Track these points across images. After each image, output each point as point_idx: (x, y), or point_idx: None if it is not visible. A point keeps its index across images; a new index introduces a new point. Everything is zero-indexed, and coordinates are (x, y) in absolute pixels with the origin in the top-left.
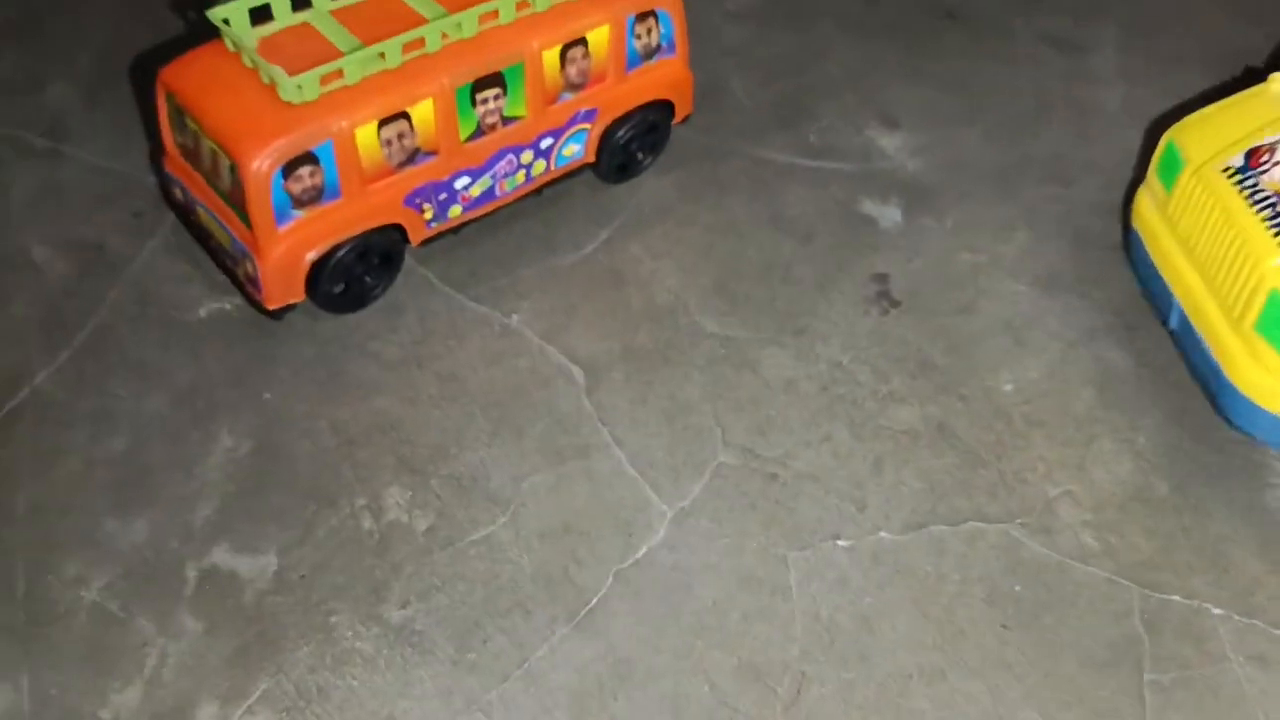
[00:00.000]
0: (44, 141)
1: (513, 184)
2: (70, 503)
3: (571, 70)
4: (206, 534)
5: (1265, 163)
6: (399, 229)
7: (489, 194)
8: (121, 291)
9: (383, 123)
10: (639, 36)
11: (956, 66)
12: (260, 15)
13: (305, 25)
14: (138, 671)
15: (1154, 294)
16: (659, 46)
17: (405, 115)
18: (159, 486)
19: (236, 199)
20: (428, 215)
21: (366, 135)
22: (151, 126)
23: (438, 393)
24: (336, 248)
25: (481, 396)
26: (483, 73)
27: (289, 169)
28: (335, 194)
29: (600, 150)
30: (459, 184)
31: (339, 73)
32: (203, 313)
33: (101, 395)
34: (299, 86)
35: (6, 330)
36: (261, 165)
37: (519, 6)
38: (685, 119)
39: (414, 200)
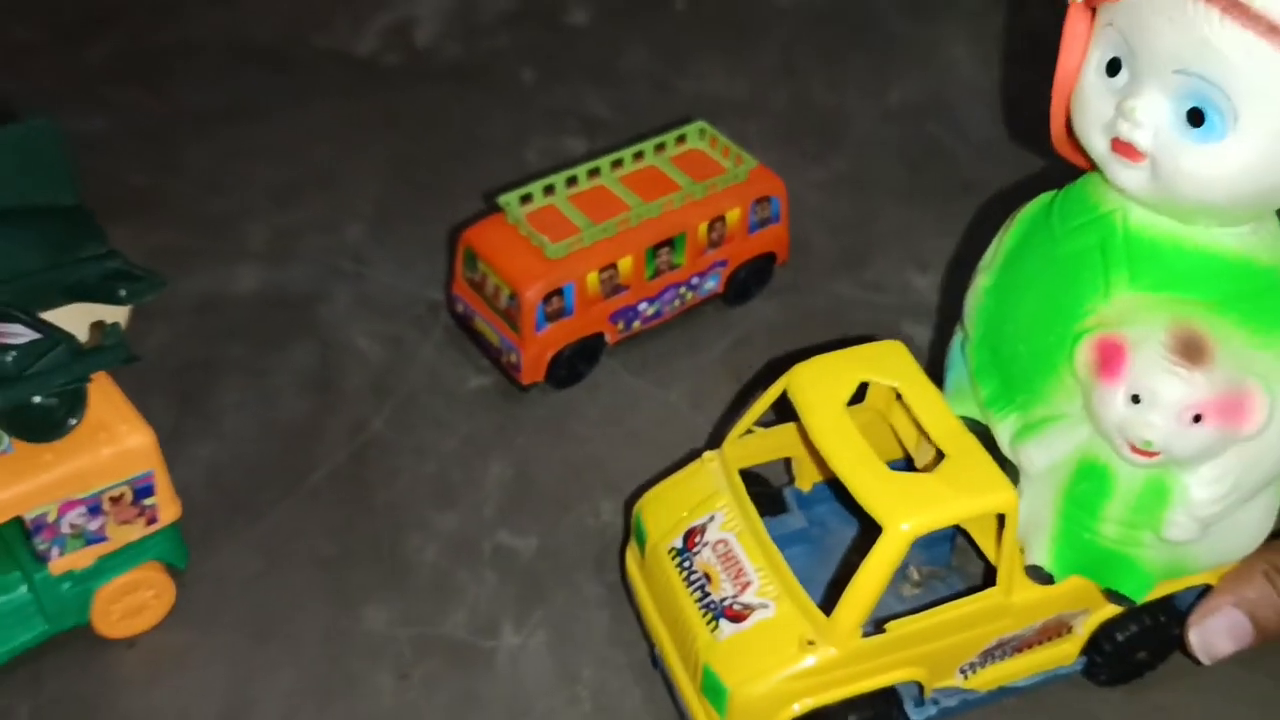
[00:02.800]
0: (352, 266)
1: (673, 307)
2: (408, 502)
3: (714, 235)
4: (493, 524)
5: (698, 544)
6: (601, 335)
7: (659, 313)
8: (417, 368)
9: (601, 270)
10: (757, 213)
11: (969, 223)
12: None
13: (551, 207)
14: (462, 604)
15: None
16: (770, 218)
17: (614, 265)
18: (460, 494)
19: (510, 314)
20: (619, 327)
21: (592, 278)
22: (418, 259)
23: (625, 442)
24: (567, 346)
25: (652, 444)
26: (662, 239)
27: (547, 298)
28: (570, 313)
29: (728, 284)
30: (641, 307)
31: (579, 239)
32: (472, 385)
33: (414, 437)
34: (557, 248)
35: (351, 393)
36: (533, 295)
37: (685, 198)
38: (783, 263)
39: (613, 317)
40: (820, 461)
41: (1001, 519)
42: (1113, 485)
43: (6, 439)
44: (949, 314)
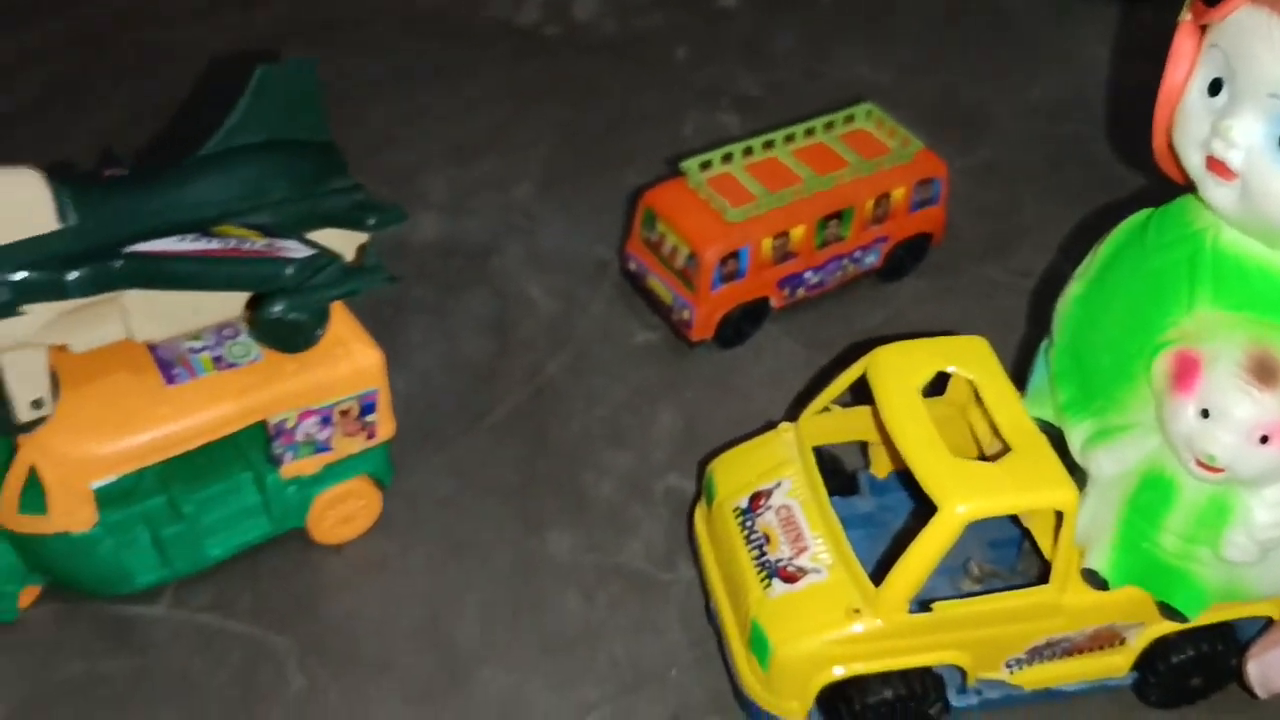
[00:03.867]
0: (523, 222)
1: (834, 278)
2: (583, 442)
3: (879, 211)
4: (663, 467)
5: (762, 507)
6: (767, 299)
7: (821, 283)
8: (588, 321)
9: (775, 236)
10: (919, 193)
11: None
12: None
13: (728, 175)
14: (638, 536)
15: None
16: (930, 199)
17: (786, 233)
18: (631, 438)
19: (687, 273)
20: (785, 292)
21: (766, 243)
22: (584, 218)
23: (784, 401)
24: (737, 307)
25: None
26: (832, 211)
27: (724, 260)
28: (742, 276)
29: (886, 260)
30: (807, 276)
31: (757, 205)
32: (639, 340)
33: (587, 383)
34: (736, 212)
35: (527, 339)
36: (712, 255)
37: (854, 174)
38: (938, 244)
39: (781, 283)
40: (895, 449)
41: (1060, 517)
42: (1176, 497)
43: (256, 349)
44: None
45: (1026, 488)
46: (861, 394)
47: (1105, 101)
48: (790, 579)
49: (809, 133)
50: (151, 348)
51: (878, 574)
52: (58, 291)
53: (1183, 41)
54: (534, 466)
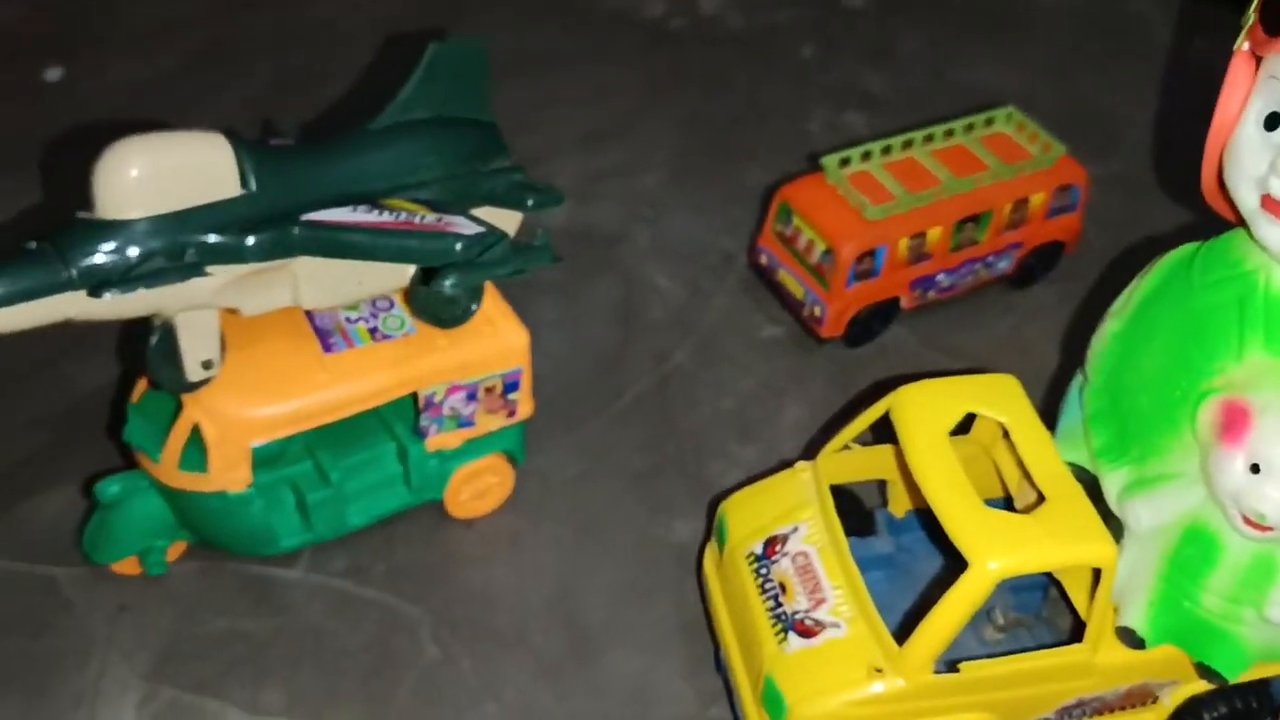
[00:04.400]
0: (650, 212)
1: (965, 282)
2: (709, 431)
3: (1015, 216)
4: (789, 461)
5: (777, 554)
6: (897, 300)
7: (952, 286)
8: (714, 312)
9: (911, 236)
10: (1057, 200)
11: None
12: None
13: (866, 172)
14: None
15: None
16: (1067, 206)
17: (923, 234)
18: (758, 431)
19: (821, 269)
20: (916, 294)
21: (903, 243)
22: (710, 210)
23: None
24: (868, 306)
25: None
26: (969, 214)
27: (860, 257)
28: (876, 275)
29: (1018, 267)
30: (939, 278)
31: (896, 204)
32: (765, 333)
33: (713, 373)
34: (876, 210)
35: (653, 327)
36: (849, 252)
37: (994, 178)
38: (1070, 253)
39: (913, 284)
40: (916, 489)
41: (1097, 573)
42: (1219, 555)
43: (409, 322)
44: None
45: (1063, 543)
46: (882, 432)
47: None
48: (808, 633)
49: (948, 134)
50: (310, 317)
51: (902, 625)
52: (237, 255)
53: (1237, 72)
54: (661, 453)
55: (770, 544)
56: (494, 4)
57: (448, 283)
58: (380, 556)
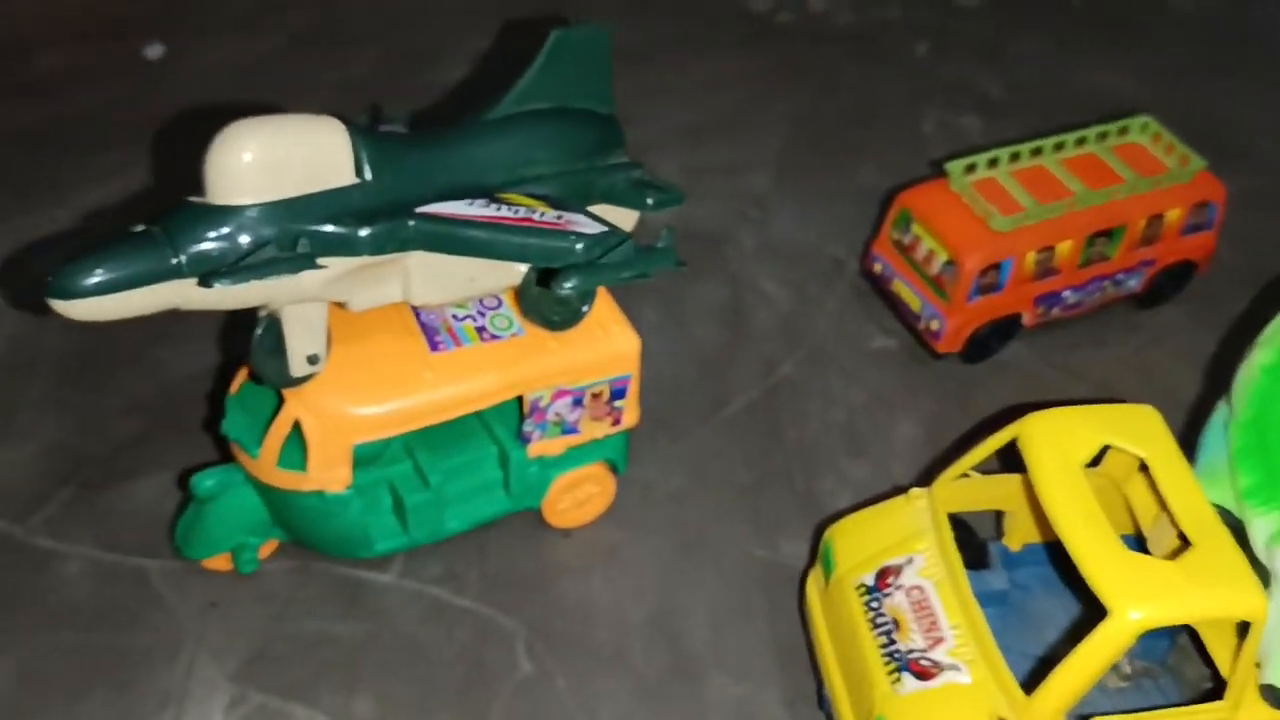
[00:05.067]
0: (756, 213)
1: (1093, 299)
2: (819, 445)
3: (1149, 232)
4: (902, 480)
5: (890, 586)
6: (1019, 316)
7: (1078, 303)
8: (823, 320)
9: (1039, 250)
10: (1194, 216)
11: None
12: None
13: (993, 179)
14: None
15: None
16: (1204, 224)
17: (1052, 248)
18: (869, 447)
19: (941, 281)
20: (1040, 310)
21: (1030, 257)
22: (818, 213)
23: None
24: (989, 321)
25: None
26: (1101, 229)
27: (984, 270)
28: (1000, 289)
29: (1148, 285)
30: (1065, 295)
31: (1025, 215)
32: (877, 345)
33: (823, 384)
34: (1004, 221)
35: (760, 333)
36: (974, 264)
37: (1129, 191)
38: (1203, 273)
39: (1038, 300)
40: (1039, 522)
41: (1244, 627)
42: None
43: (518, 322)
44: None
45: (1211, 593)
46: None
47: None
48: (924, 675)
49: (1080, 142)
50: (416, 313)
51: (1019, 669)
52: (350, 247)
53: None
54: (768, 467)
55: (883, 575)
56: None
57: (568, 285)
58: (475, 564)
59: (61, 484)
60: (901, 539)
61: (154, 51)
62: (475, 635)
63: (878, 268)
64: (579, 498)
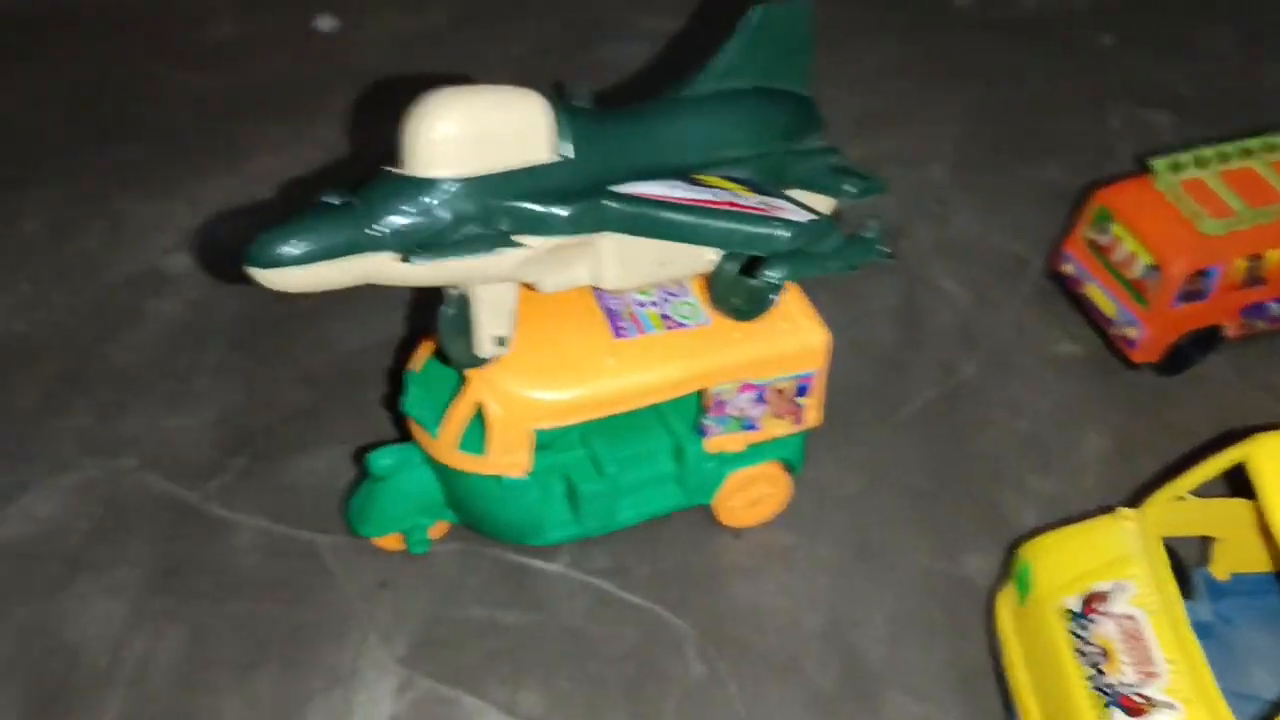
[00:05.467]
0: (935, 206)
1: None
2: (1001, 455)
3: None
4: (1090, 497)
5: (1098, 612)
6: (1220, 327)
7: None
8: (1005, 322)
9: (1249, 257)
10: None
11: None
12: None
13: (1200, 180)
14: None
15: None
16: None
17: (1261, 255)
18: (1056, 460)
19: (1141, 285)
20: (1243, 322)
21: (1239, 264)
22: (1000, 208)
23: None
24: (1190, 331)
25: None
26: None
27: (1190, 276)
28: (1205, 297)
29: None
30: (1271, 307)
31: (1237, 220)
32: (1063, 350)
33: (1005, 390)
34: (1215, 224)
35: (939, 333)
36: (1179, 269)
37: None
38: None
39: (1244, 311)
40: (1257, 550)
41: None
42: None
43: (703, 311)
44: None
45: None
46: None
47: None
48: (1135, 711)
49: None
50: (599, 296)
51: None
52: (549, 226)
53: None
54: (948, 475)
55: (1090, 601)
56: None
57: (773, 274)
58: (644, 559)
59: (234, 453)
60: (1109, 562)
61: (325, 23)
62: (644, 633)
63: (1069, 268)
64: (752, 497)
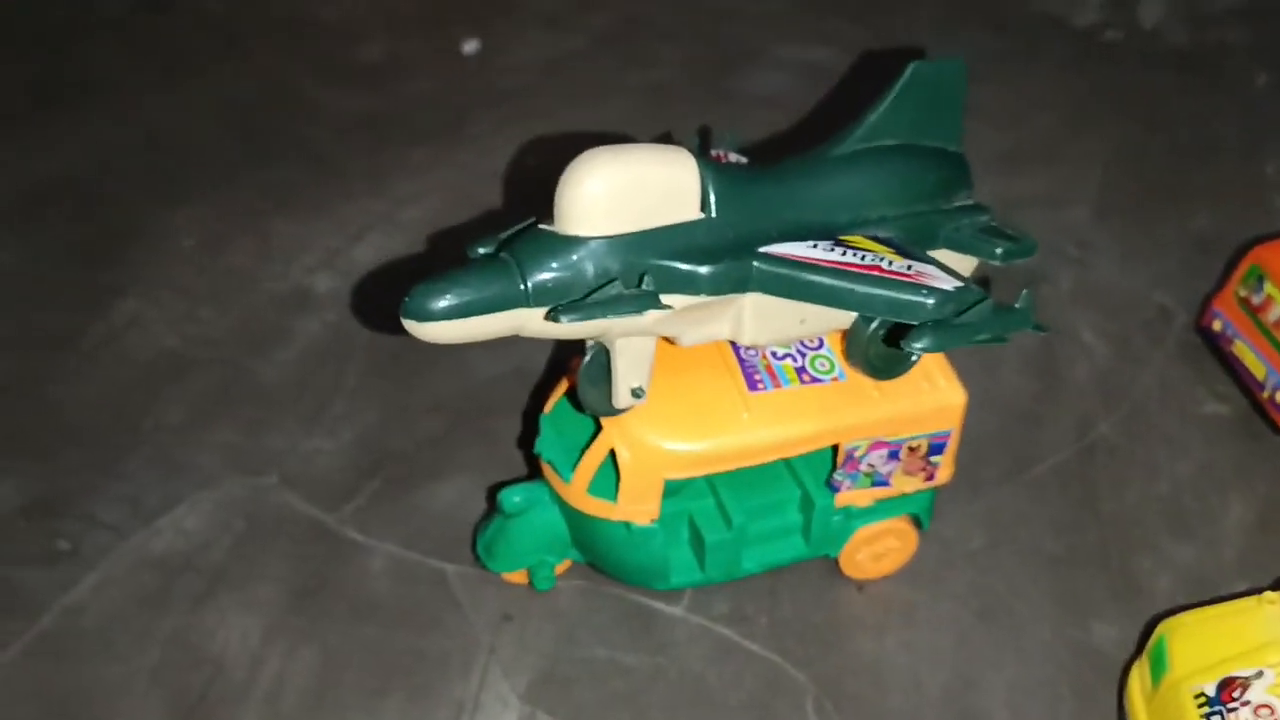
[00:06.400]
0: (1075, 251)
1: None
2: (1138, 519)
3: None
4: (1232, 570)
5: (1235, 700)
6: None
7: None
8: (1147, 377)
9: None
10: None
11: None
12: None
13: None
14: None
15: None
16: None
17: None
18: (1195, 526)
19: None
20: None
21: None
22: (1145, 256)
23: None
24: None
25: None
26: None
27: None
28: None
29: None
30: None
31: None
32: (1207, 410)
33: (1145, 450)
34: None
35: (1076, 386)
36: None
37: None
38: None
39: None
40: None
41: None
42: None
43: (839, 365)
44: None
45: None
46: None
47: None
48: None
49: None
50: (735, 348)
51: None
52: (693, 285)
53: None
54: (1080, 537)
55: (1226, 686)
56: (916, 2)
57: (919, 344)
58: (764, 607)
59: (368, 477)
60: (1250, 648)
61: (470, 46)
62: (764, 684)
63: (1217, 325)
64: (878, 550)
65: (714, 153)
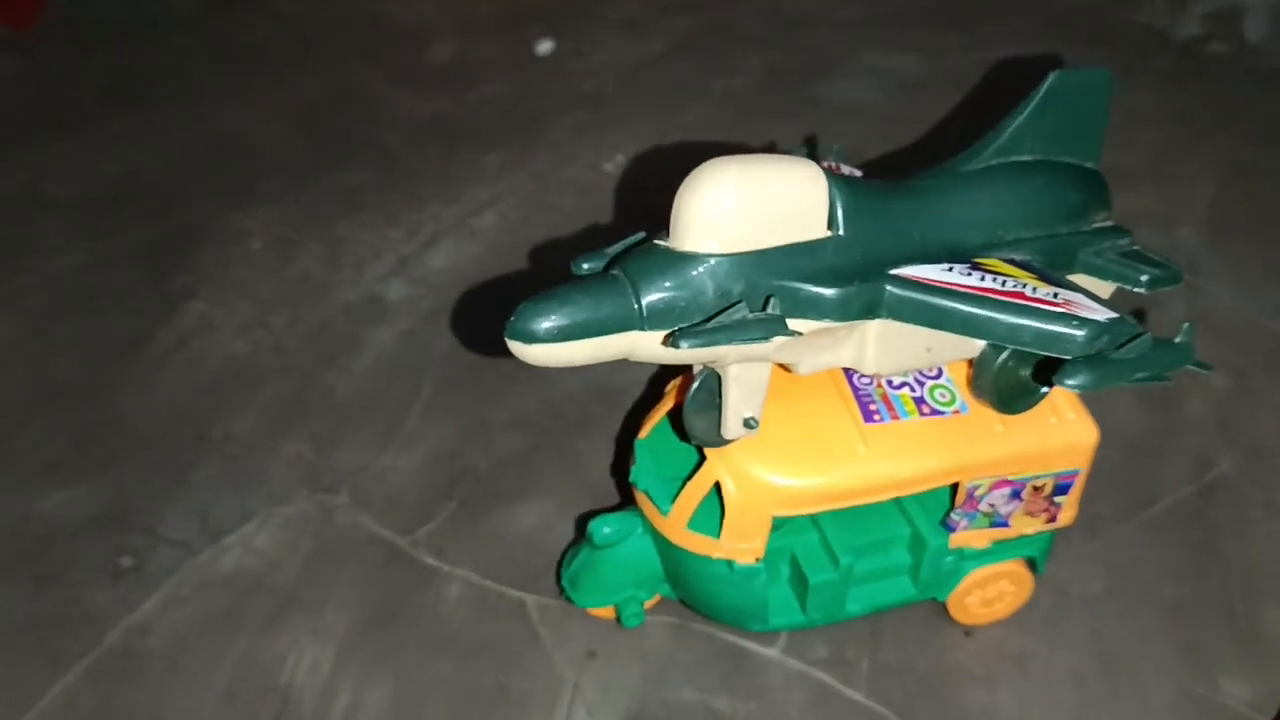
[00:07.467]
0: (1186, 274)
1: None
2: (1264, 564)
3: None
4: None
5: None
6: None
7: None
8: (1266, 412)
9: None
10: None
11: None
12: None
13: None
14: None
15: None
16: None
17: None
18: None
19: None
20: None
21: None
22: (1260, 282)
23: None
24: None
25: None
26: None
27: None
28: None
29: None
30: None
31: None
32: None
33: (1269, 491)
34: None
35: (1194, 421)
36: None
37: None
38: None
39: None
40: None
41: None
42: None
43: (960, 397)
44: None
45: None
46: None
47: None
48: None
49: None
50: (849, 375)
51: None
52: (818, 309)
53: None
54: (1202, 583)
55: None
56: (1010, 10)
57: (1073, 382)
58: (865, 651)
59: (445, 498)
60: None
61: (544, 47)
62: None
63: None
64: (989, 595)
65: (824, 164)
